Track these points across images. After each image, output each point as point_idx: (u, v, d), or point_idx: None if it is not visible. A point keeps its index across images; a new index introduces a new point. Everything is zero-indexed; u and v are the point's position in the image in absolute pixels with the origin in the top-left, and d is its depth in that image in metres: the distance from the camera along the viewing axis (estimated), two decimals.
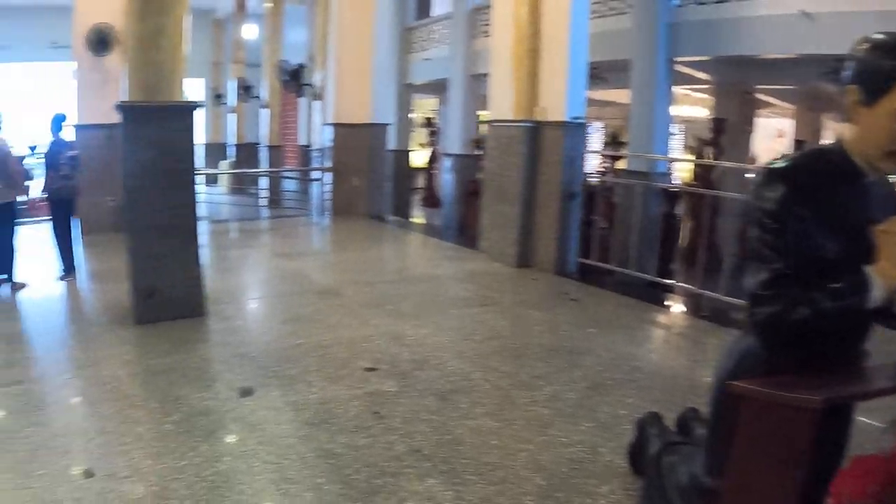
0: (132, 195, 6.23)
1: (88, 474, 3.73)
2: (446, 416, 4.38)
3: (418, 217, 20.90)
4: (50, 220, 8.70)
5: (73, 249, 8.65)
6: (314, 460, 3.81)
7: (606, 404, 4.55)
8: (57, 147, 8.56)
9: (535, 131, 8.38)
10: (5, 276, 8.12)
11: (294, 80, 21.96)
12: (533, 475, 3.64)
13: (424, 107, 26.77)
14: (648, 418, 3.52)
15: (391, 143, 14.87)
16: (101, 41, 11.26)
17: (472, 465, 3.74)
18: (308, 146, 22.40)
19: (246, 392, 4.77)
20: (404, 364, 5.32)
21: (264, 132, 22.82)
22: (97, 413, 4.60)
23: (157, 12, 6.11)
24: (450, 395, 4.73)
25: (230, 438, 4.16)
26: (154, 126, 6.19)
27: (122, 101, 6.25)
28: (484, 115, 17.32)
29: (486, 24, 16.83)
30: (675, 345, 6.31)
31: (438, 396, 4.70)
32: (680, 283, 7.66)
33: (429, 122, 25.21)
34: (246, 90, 24.56)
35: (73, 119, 10.07)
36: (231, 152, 26.76)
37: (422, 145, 25.27)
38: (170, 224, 6.29)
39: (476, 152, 18.42)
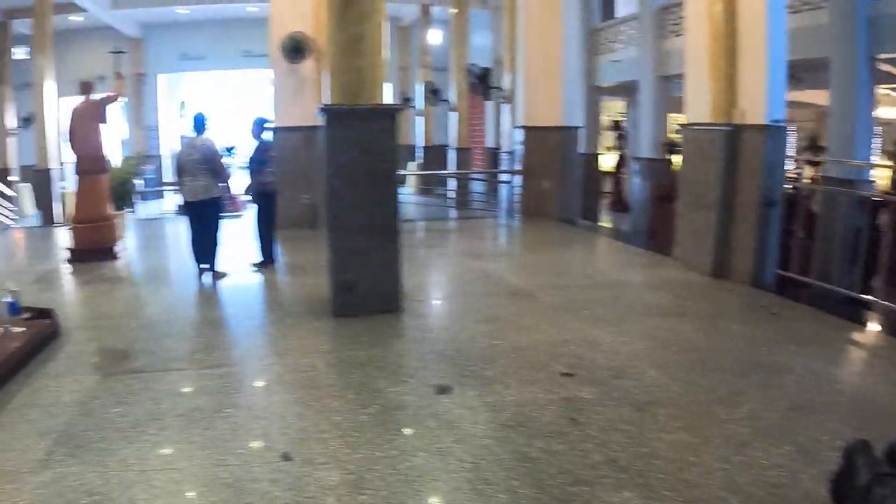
0: (335, 194, 6.50)
1: (286, 458, 3.91)
2: (643, 428, 4.27)
3: (606, 221, 20.63)
4: (256, 214, 9.30)
5: (273, 242, 9.21)
6: (510, 462, 3.80)
7: (807, 427, 4.27)
8: (263, 147, 9.15)
9: (734, 135, 7.97)
10: (207, 266, 8.75)
11: (481, 83, 22.16)
12: (730, 496, 3.46)
13: (611, 109, 26.34)
14: (857, 446, 3.28)
15: (580, 146, 14.70)
16: (295, 49, 11.83)
17: (669, 480, 3.61)
18: (496, 148, 22.53)
19: (443, 390, 4.84)
20: (600, 371, 5.23)
21: (452, 134, 23.16)
22: (295, 399, 4.82)
23: (357, 20, 6.37)
24: (647, 406, 4.60)
25: (426, 434, 4.20)
26: (357, 128, 6.43)
27: (325, 105, 6.52)
28: (674, 117, 16.79)
29: (675, 24, 16.29)
30: (878, 368, 5.81)
31: (635, 407, 4.58)
32: (883, 301, 7.12)
33: (616, 126, 24.78)
34: (434, 93, 25.04)
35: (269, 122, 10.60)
36: (419, 154, 27.38)
37: (609, 149, 24.87)
38: (371, 222, 6.53)
39: (666, 156, 17.91)
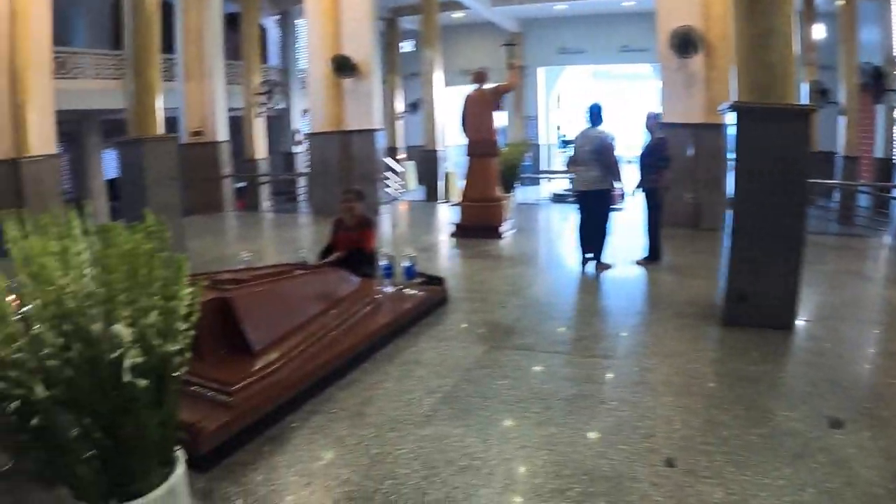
0: (740, 197, 6.12)
1: (669, 463, 3.79)
2: None
3: None
4: (645, 210, 9.07)
5: (660, 239, 9.00)
6: None
7: None
8: (657, 142, 8.90)
9: None
10: (592, 255, 8.79)
11: (875, 83, 20.15)
12: None
13: None
14: None
15: None
16: (685, 43, 11.38)
17: None
18: (889, 158, 20.41)
19: (835, 423, 4.37)
20: None
21: (841, 141, 21.33)
22: (682, 405, 4.64)
23: (766, 12, 5.94)
24: None
25: (816, 469, 3.80)
26: (766, 128, 5.97)
27: (734, 102, 6.14)
28: None
29: None
30: None
31: None
32: None
33: None
34: (821, 94, 23.16)
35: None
36: None
37: None
38: (774, 231, 6.06)
39: None
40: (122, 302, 2.58)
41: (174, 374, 2.75)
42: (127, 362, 2.51)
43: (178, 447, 2.88)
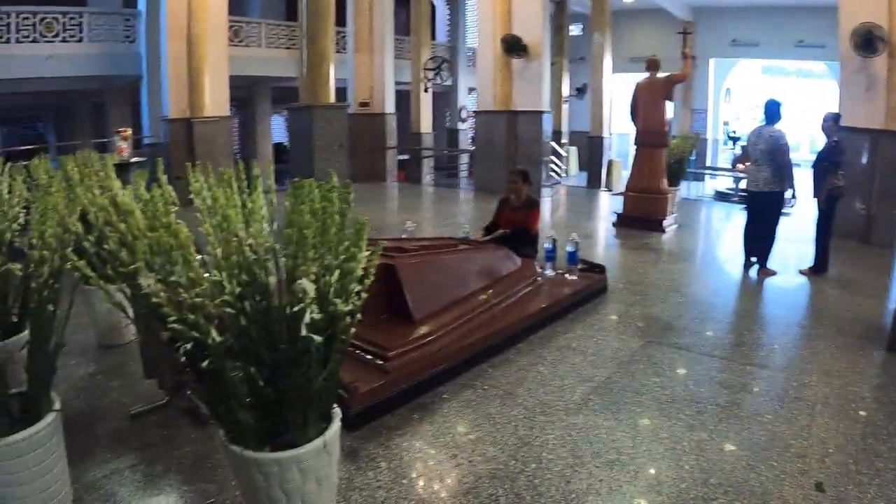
0: None
1: (819, 488, 3.62)
2: None
3: None
4: (817, 218, 8.49)
5: (829, 250, 8.43)
6: None
7: None
8: (834, 146, 8.31)
9: None
10: (755, 260, 8.41)
11: None
12: None
13: None
14: None
15: None
16: (867, 42, 10.49)
17: None
18: None
19: None
20: None
21: None
22: (838, 428, 4.36)
23: None
24: None
25: None
26: None
27: None
28: None
29: None
30: None
31: None
32: None
33: None
34: None
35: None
36: None
37: None
38: None
39: None
40: (310, 258, 2.68)
41: (343, 334, 2.84)
42: (306, 317, 2.61)
43: (336, 405, 3.00)
